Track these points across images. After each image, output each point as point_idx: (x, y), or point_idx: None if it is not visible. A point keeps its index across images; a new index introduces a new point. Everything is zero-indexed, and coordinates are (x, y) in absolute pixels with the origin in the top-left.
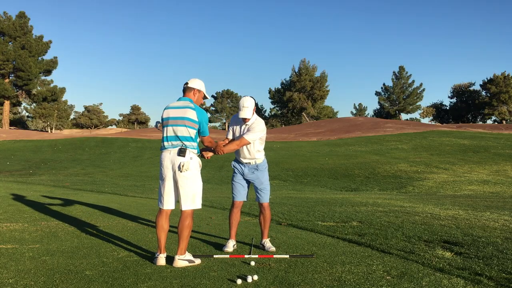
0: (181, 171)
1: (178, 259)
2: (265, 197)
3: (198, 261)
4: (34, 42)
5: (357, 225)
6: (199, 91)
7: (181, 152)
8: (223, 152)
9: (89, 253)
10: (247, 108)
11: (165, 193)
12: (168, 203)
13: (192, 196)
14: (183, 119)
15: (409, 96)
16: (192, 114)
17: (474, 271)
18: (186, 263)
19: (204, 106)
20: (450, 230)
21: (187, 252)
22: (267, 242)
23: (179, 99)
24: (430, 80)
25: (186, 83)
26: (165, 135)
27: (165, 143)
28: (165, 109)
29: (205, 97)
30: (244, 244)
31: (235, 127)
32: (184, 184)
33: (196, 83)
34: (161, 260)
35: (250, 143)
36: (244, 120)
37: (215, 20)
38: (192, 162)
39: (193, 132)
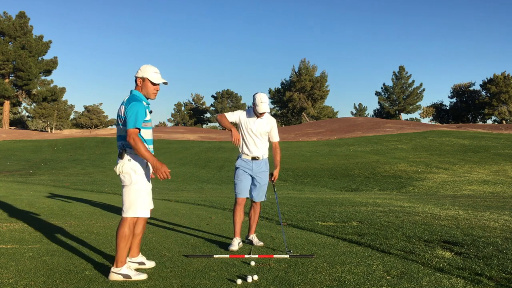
0: (118, 175)
1: (112, 271)
2: (264, 195)
3: (140, 276)
4: (34, 42)
5: (357, 225)
6: (142, 79)
7: (120, 154)
8: (277, 173)
9: (89, 253)
10: (266, 103)
11: None
12: None
13: (127, 202)
14: (118, 117)
15: (409, 96)
16: (122, 110)
17: (474, 271)
18: (120, 278)
19: (204, 107)
20: (450, 230)
21: (126, 265)
22: (254, 237)
23: None
24: (430, 80)
25: None
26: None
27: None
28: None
29: (153, 84)
30: (244, 244)
31: (247, 121)
32: (122, 189)
33: (138, 72)
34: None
35: None
36: (261, 115)
37: (215, 20)
38: (129, 165)
39: None
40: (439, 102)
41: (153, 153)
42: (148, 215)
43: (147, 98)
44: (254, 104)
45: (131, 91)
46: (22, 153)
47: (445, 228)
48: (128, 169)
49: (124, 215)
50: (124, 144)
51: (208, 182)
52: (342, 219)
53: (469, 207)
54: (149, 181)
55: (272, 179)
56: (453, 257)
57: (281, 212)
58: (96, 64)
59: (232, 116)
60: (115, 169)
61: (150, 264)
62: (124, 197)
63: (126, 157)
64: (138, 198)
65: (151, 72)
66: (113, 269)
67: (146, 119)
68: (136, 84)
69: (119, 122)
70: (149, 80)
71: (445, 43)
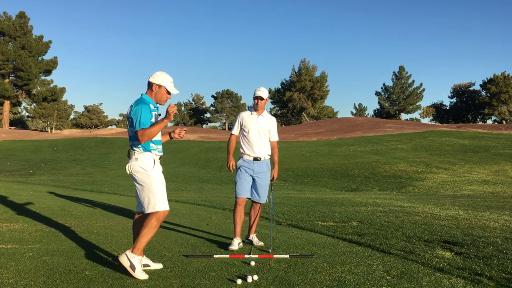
0: (130, 174)
1: (126, 253)
2: (265, 197)
3: (142, 275)
4: (34, 42)
5: (357, 225)
6: (159, 86)
7: (128, 155)
8: (277, 172)
9: (89, 253)
10: (262, 91)
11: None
12: (138, 207)
13: (146, 199)
14: (127, 118)
15: (409, 96)
16: (129, 112)
17: (474, 271)
18: (127, 264)
19: (204, 107)
20: (450, 230)
21: (139, 257)
22: (254, 237)
23: None
24: (430, 80)
25: None
26: None
27: None
28: None
29: (168, 93)
30: (244, 244)
31: (249, 120)
32: (137, 188)
33: (155, 77)
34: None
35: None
36: (259, 103)
37: (215, 20)
38: (138, 163)
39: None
40: (439, 102)
41: (161, 153)
42: (168, 208)
43: (157, 103)
44: (254, 96)
45: (141, 95)
46: (22, 153)
47: (445, 228)
48: (138, 167)
49: (148, 211)
50: (132, 144)
51: (208, 182)
52: (342, 219)
53: (469, 207)
54: (162, 177)
55: (271, 178)
56: (453, 257)
57: (281, 212)
58: (96, 64)
59: (237, 126)
60: (126, 169)
61: (157, 266)
62: (142, 195)
63: (134, 156)
64: (154, 194)
65: (168, 82)
66: (128, 252)
67: (152, 120)
68: (149, 88)
69: (128, 123)
70: (166, 89)
71: (445, 43)
